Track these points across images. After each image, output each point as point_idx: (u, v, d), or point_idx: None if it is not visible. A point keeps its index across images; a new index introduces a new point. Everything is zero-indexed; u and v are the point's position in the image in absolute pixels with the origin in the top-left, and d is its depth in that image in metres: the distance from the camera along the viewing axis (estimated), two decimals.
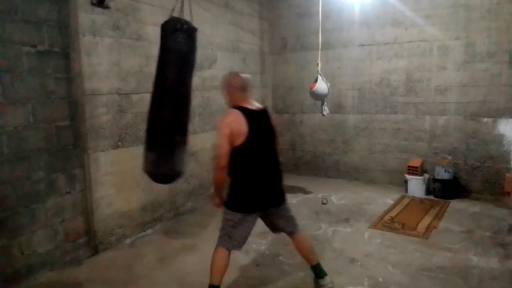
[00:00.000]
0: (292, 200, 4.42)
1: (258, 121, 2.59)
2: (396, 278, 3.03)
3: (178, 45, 2.59)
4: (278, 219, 2.77)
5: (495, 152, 4.89)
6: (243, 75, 2.67)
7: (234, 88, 2.61)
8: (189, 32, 2.61)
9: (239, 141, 2.49)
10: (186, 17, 2.68)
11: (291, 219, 2.82)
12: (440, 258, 3.34)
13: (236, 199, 2.61)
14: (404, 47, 5.31)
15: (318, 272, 2.84)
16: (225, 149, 2.49)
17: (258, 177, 2.62)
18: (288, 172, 5.73)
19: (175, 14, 2.68)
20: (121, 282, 3.07)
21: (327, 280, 2.82)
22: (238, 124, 2.48)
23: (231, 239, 2.62)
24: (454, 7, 4.92)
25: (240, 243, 2.66)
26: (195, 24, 2.76)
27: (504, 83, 4.74)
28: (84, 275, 3.19)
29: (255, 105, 2.66)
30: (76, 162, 3.41)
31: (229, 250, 2.64)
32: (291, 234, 2.82)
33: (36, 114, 3.07)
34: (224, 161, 2.51)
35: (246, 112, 2.53)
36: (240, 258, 3.45)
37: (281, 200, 2.75)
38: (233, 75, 2.70)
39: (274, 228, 2.83)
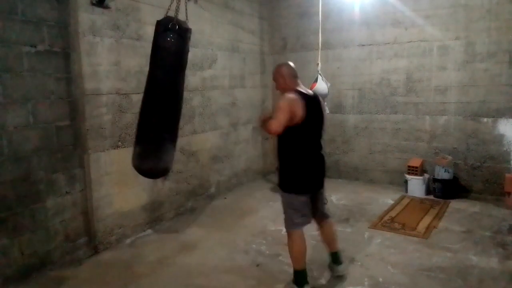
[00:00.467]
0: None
1: (312, 105, 2.77)
2: (396, 278, 3.03)
3: (168, 44, 2.60)
4: (317, 201, 2.93)
5: (495, 152, 4.88)
6: (292, 64, 2.91)
7: (287, 75, 2.81)
8: (181, 32, 2.61)
9: (295, 121, 2.64)
10: (183, 16, 2.67)
11: (324, 203, 3.05)
12: (440, 258, 3.34)
13: (293, 181, 2.75)
14: (404, 47, 5.31)
15: (338, 259, 3.06)
16: (283, 120, 2.60)
17: (311, 158, 2.79)
18: None
19: (172, 13, 2.67)
20: (121, 282, 3.07)
21: (343, 267, 3.06)
22: (297, 105, 2.66)
23: (293, 221, 2.76)
24: (454, 7, 4.92)
25: (301, 225, 2.79)
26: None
27: (504, 83, 4.74)
28: (84, 275, 3.19)
29: (307, 90, 2.87)
30: (76, 162, 3.41)
31: (301, 231, 2.78)
32: (326, 217, 3.02)
33: (36, 114, 3.07)
34: (278, 128, 2.60)
35: (303, 95, 2.74)
36: (240, 258, 3.45)
37: (323, 183, 2.94)
38: (284, 64, 2.92)
39: (313, 211, 2.90)
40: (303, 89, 2.83)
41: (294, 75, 2.84)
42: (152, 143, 2.67)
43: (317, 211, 2.94)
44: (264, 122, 2.73)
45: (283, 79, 2.83)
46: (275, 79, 2.89)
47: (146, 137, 2.68)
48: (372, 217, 4.38)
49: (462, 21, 4.89)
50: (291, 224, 2.78)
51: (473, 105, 4.95)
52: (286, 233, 2.87)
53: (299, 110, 2.66)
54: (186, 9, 2.71)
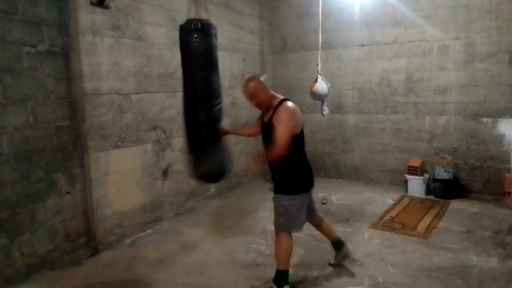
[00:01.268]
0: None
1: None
2: (396, 278, 3.03)
3: (192, 46, 2.65)
4: (311, 202, 3.03)
5: (495, 152, 4.89)
6: (261, 77, 2.93)
7: (266, 87, 2.78)
8: (204, 29, 2.65)
9: (298, 129, 2.70)
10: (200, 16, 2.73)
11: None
12: (440, 258, 3.34)
13: (297, 183, 2.79)
14: (404, 47, 5.31)
15: (341, 243, 3.23)
16: (288, 139, 2.57)
17: (307, 161, 2.91)
18: None
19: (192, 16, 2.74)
20: (121, 282, 3.07)
21: (346, 248, 3.25)
22: (299, 114, 2.73)
23: (296, 221, 2.81)
24: (454, 7, 4.92)
25: (301, 224, 2.86)
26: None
27: (504, 83, 4.74)
28: (84, 275, 3.19)
29: (285, 97, 2.84)
30: (76, 162, 3.41)
31: (291, 234, 2.81)
32: (316, 215, 3.14)
33: (36, 114, 3.07)
34: (285, 149, 2.57)
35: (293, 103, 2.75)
36: (240, 258, 3.45)
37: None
38: (254, 78, 2.83)
39: (309, 211, 2.95)
40: (282, 96, 2.79)
41: (268, 86, 2.82)
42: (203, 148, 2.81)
43: (312, 210, 3.05)
44: (263, 157, 2.70)
45: (265, 92, 2.74)
46: (253, 96, 2.73)
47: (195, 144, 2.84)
48: (372, 217, 4.38)
49: (462, 21, 4.89)
50: (289, 227, 2.79)
51: (473, 105, 4.95)
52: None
53: (301, 119, 2.73)
54: (196, 9, 2.74)
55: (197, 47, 2.67)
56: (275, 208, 2.83)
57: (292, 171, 2.77)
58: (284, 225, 2.78)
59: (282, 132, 2.55)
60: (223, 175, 3.00)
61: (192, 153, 2.92)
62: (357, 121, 5.81)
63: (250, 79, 2.82)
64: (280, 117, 2.60)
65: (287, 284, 2.80)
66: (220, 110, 2.92)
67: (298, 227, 2.84)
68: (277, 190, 2.84)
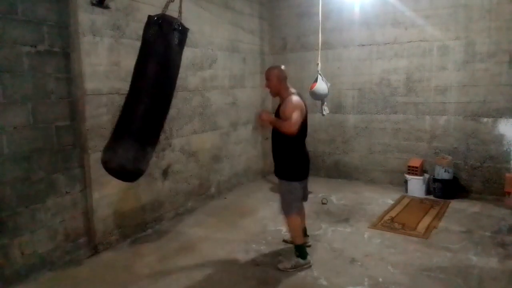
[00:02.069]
0: None
1: (304, 104, 3.19)
2: (396, 278, 3.03)
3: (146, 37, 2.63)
4: (305, 188, 3.42)
5: (495, 152, 4.89)
6: (283, 67, 3.27)
7: (282, 78, 3.19)
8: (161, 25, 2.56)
9: (302, 117, 3.08)
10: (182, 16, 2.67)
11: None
12: (440, 258, 3.34)
13: (298, 170, 3.22)
14: (404, 47, 5.31)
15: (305, 232, 3.58)
16: (299, 120, 3.00)
17: (306, 151, 3.33)
18: None
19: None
20: (121, 282, 3.07)
21: (307, 238, 3.59)
22: (303, 106, 3.13)
23: (297, 204, 3.26)
24: (454, 7, 4.92)
25: (301, 203, 3.39)
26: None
27: (504, 83, 4.74)
28: (84, 275, 3.19)
29: (296, 91, 3.25)
30: (76, 162, 3.41)
31: (296, 213, 3.25)
32: (304, 200, 3.48)
33: (36, 114, 3.07)
34: (296, 128, 2.97)
35: (299, 96, 3.17)
36: (240, 258, 3.45)
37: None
38: (278, 67, 3.27)
39: (303, 196, 3.41)
40: (294, 90, 3.21)
41: (286, 77, 3.22)
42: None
43: (305, 195, 3.46)
44: (273, 123, 3.08)
45: (279, 81, 3.17)
46: (269, 78, 3.19)
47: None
48: (372, 217, 4.38)
49: (462, 21, 4.89)
50: (290, 209, 3.20)
51: (473, 105, 4.95)
52: (286, 221, 3.32)
53: (304, 110, 3.12)
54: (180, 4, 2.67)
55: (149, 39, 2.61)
56: (281, 194, 3.28)
57: (293, 160, 3.19)
58: (292, 208, 3.20)
59: (292, 115, 2.96)
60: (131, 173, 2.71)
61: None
62: (357, 121, 5.81)
63: (276, 66, 3.33)
64: (288, 105, 3.05)
65: (307, 254, 3.24)
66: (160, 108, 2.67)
67: (297, 208, 3.27)
68: (279, 175, 3.25)
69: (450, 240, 3.70)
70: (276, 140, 3.25)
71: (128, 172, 2.68)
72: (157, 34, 2.57)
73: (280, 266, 3.21)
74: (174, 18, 2.57)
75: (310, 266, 3.20)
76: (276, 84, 3.18)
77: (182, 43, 2.67)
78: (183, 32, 2.64)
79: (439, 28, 5.04)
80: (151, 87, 2.58)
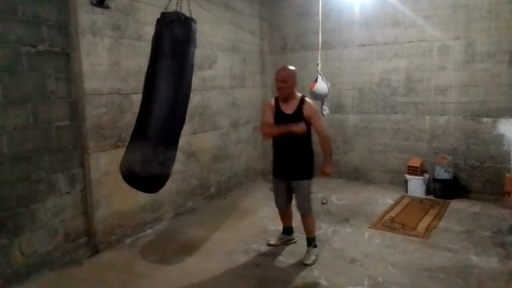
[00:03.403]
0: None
1: None
2: (396, 278, 3.03)
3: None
4: None
5: (495, 152, 4.89)
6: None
7: (295, 81, 3.26)
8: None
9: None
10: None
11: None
12: (440, 258, 3.34)
13: (312, 168, 3.39)
14: (404, 47, 5.31)
15: (292, 231, 3.77)
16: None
17: None
18: None
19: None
20: (121, 282, 3.07)
21: (293, 237, 3.74)
22: None
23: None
24: (454, 7, 4.92)
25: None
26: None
27: (504, 83, 4.74)
28: (84, 275, 3.19)
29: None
30: (76, 162, 3.41)
31: None
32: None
33: (36, 114, 3.07)
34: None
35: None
36: (240, 258, 3.45)
37: None
38: (294, 69, 3.31)
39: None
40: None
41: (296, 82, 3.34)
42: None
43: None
44: (304, 129, 3.17)
45: (295, 84, 3.25)
46: (286, 80, 3.18)
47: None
48: (372, 217, 4.38)
49: (462, 21, 4.89)
50: (312, 207, 3.40)
51: (473, 105, 4.95)
52: (307, 219, 3.39)
53: None
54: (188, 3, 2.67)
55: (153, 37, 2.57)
56: (303, 194, 3.33)
57: (312, 156, 3.37)
58: (311, 206, 3.38)
59: (321, 124, 3.27)
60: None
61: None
62: (357, 121, 5.81)
63: (290, 67, 3.32)
64: (314, 110, 3.23)
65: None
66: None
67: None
68: (299, 176, 3.31)
69: (450, 240, 3.70)
70: (292, 143, 3.25)
71: (140, 178, 2.41)
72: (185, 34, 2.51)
73: (309, 261, 3.28)
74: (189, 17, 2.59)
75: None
76: (292, 86, 3.21)
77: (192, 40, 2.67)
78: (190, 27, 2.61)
79: (439, 28, 5.04)
80: (148, 82, 2.60)
